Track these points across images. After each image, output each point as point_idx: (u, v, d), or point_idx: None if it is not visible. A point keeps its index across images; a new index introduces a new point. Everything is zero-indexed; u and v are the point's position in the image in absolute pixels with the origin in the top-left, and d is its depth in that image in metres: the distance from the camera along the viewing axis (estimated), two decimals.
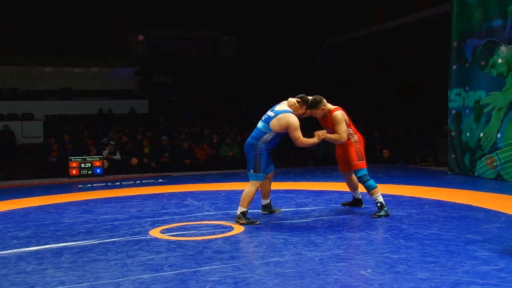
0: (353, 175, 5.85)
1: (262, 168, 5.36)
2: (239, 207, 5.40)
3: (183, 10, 21.09)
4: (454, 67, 9.45)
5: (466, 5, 9.16)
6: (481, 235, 4.59)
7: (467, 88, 9.20)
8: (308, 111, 5.56)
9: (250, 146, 5.41)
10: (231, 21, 21.80)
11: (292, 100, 5.49)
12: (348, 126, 5.63)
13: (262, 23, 20.33)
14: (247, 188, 5.40)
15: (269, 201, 5.93)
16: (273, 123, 5.31)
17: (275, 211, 5.95)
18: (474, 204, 6.19)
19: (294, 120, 5.30)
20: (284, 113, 5.32)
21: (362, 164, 5.59)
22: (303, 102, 5.47)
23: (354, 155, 5.59)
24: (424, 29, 15.10)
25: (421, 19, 15.11)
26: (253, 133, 5.45)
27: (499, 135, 8.53)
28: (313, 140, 5.42)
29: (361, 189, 5.91)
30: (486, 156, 8.77)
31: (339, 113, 5.54)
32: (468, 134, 9.19)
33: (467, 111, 9.20)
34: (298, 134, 5.28)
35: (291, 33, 19.98)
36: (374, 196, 5.57)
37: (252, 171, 5.37)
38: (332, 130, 5.59)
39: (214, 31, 23.13)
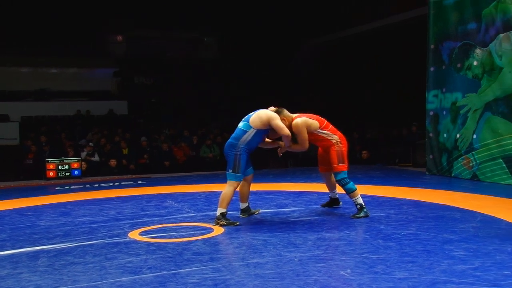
0: (331, 176, 5.88)
1: (241, 169, 5.36)
2: (218, 208, 5.38)
3: (163, 11, 20.96)
4: (432, 69, 9.60)
5: (442, 8, 9.31)
6: (458, 235, 4.67)
7: (444, 90, 9.34)
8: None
9: (230, 146, 5.42)
10: (211, 22, 21.75)
11: (271, 108, 5.59)
12: (323, 128, 5.60)
13: (243, 25, 20.34)
14: (225, 188, 5.40)
15: (247, 204, 5.90)
16: (253, 119, 5.38)
17: (254, 213, 5.94)
18: (450, 204, 6.29)
19: (274, 113, 5.41)
20: (264, 109, 5.47)
21: (342, 167, 5.57)
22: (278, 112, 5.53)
23: (335, 157, 5.57)
24: (402, 31, 15.27)
25: (399, 22, 15.29)
26: (234, 134, 5.47)
27: (474, 136, 8.68)
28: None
29: (339, 189, 5.94)
30: (463, 157, 8.92)
31: (299, 121, 5.50)
32: (445, 135, 9.33)
33: (444, 113, 9.34)
34: (281, 123, 5.36)
35: (271, 34, 20.02)
36: (353, 199, 5.61)
37: (231, 171, 5.37)
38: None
39: (195, 32, 23.05)
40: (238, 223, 5.40)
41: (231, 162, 5.38)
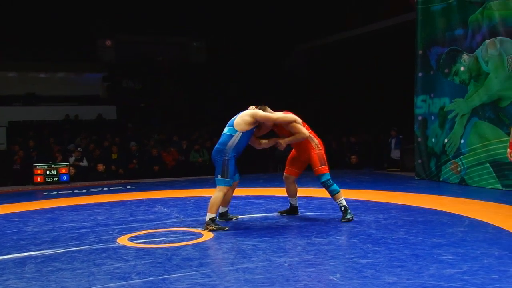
0: (294, 182, 5.91)
1: (230, 174, 5.36)
2: (208, 213, 5.37)
3: (152, 15, 20.92)
4: (420, 74, 9.67)
5: (430, 14, 9.40)
6: (446, 239, 4.70)
7: (432, 95, 9.42)
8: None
9: (218, 152, 5.42)
10: (200, 26, 21.75)
11: (251, 107, 5.63)
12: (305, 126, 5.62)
13: (233, 29, 20.36)
14: (215, 193, 5.39)
15: (227, 209, 5.90)
16: (237, 122, 5.41)
17: (232, 218, 5.92)
18: (439, 209, 6.33)
19: (256, 109, 5.49)
20: (245, 111, 5.53)
21: (325, 169, 5.58)
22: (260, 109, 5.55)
23: (317, 160, 5.57)
24: (392, 36, 15.38)
25: (387, 27, 15.42)
26: (220, 139, 5.48)
27: (462, 141, 8.75)
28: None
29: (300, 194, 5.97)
30: (451, 162, 8.99)
31: (288, 114, 5.56)
32: (433, 139, 9.40)
33: (433, 117, 9.42)
34: (269, 114, 5.44)
35: (262, 37, 20.06)
36: (337, 201, 5.62)
37: (220, 176, 5.37)
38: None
39: (184, 37, 23.04)
40: (227, 228, 5.39)
41: (219, 167, 5.38)
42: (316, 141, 5.67)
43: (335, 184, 5.59)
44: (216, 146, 5.49)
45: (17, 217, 6.70)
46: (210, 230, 5.27)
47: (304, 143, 5.62)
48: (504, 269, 3.72)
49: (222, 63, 20.81)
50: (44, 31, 18.85)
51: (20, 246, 4.95)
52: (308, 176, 9.07)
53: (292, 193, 6.07)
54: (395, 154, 12.15)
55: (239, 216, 6.07)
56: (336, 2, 17.77)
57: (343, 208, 5.61)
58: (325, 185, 5.59)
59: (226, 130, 5.48)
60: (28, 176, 11.39)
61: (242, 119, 5.41)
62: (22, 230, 5.75)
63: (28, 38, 18.64)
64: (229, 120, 5.55)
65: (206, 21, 21.07)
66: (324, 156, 5.65)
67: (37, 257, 4.47)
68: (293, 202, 6.15)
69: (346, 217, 5.57)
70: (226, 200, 5.80)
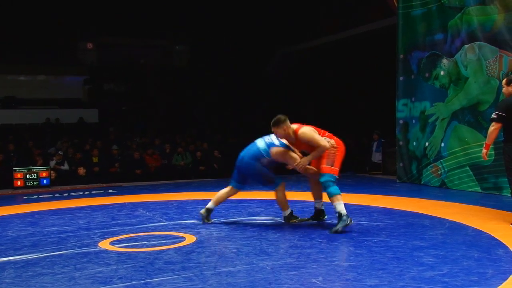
0: (318, 183, 5.53)
1: (273, 177, 5.73)
2: (283, 212, 5.80)
3: (134, 18, 20.81)
4: (401, 78, 9.79)
5: (410, 19, 9.52)
6: (427, 242, 4.76)
7: (413, 99, 9.53)
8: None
9: (248, 165, 5.68)
10: (183, 29, 21.69)
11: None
12: (322, 135, 5.43)
13: (215, 32, 20.35)
14: (276, 195, 5.73)
15: (213, 207, 6.01)
16: (275, 152, 5.57)
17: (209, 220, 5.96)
18: (420, 212, 6.41)
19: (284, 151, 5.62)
20: (279, 142, 5.62)
21: (329, 169, 5.30)
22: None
23: (325, 158, 5.33)
24: (373, 40, 15.53)
25: (371, 31, 15.56)
26: (250, 151, 5.68)
27: (442, 144, 8.87)
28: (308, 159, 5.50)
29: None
30: (432, 165, 9.10)
31: (306, 129, 5.37)
32: (414, 143, 9.51)
33: (414, 121, 9.53)
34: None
35: (244, 42, 20.10)
36: (334, 203, 5.26)
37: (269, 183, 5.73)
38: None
39: (166, 40, 22.96)
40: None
41: (259, 178, 5.72)
42: (332, 142, 5.42)
43: (334, 187, 5.24)
44: (246, 159, 5.66)
45: None
46: (295, 221, 5.75)
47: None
48: (483, 271, 3.78)
49: (204, 67, 20.79)
50: (24, 33, 18.61)
51: None
52: (291, 179, 9.13)
53: (316, 195, 5.75)
54: (376, 157, 12.28)
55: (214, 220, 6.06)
56: (317, 7, 17.91)
57: (337, 214, 5.23)
58: (324, 185, 5.32)
59: (261, 145, 5.62)
60: (8, 180, 11.23)
61: (280, 154, 5.55)
62: (1, 235, 5.66)
63: (7, 40, 18.38)
64: (266, 135, 5.73)
65: (189, 24, 21.03)
66: (336, 158, 5.36)
67: (17, 261, 4.41)
68: (317, 205, 5.79)
69: (336, 228, 5.18)
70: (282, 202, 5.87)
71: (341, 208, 5.24)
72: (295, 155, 5.57)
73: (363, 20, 15.94)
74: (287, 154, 5.54)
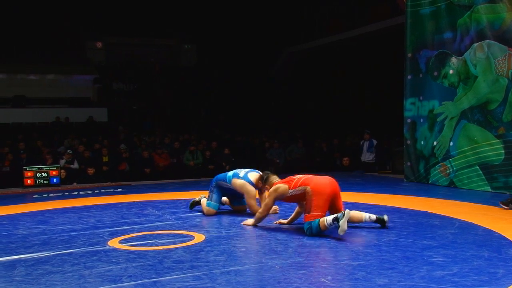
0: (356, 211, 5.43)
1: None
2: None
3: (142, 17, 20.89)
4: (409, 77, 9.74)
5: (419, 17, 9.48)
6: (436, 241, 4.74)
7: (421, 98, 9.49)
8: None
9: None
10: (191, 29, 21.75)
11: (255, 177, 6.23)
12: (293, 187, 5.25)
13: (222, 32, 20.38)
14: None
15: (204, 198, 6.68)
16: (236, 183, 6.22)
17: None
18: (429, 211, 6.38)
19: (251, 190, 6.20)
20: (248, 180, 6.21)
21: (309, 216, 5.06)
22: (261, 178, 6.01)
23: (305, 208, 5.20)
24: (381, 39, 15.48)
25: (378, 30, 15.51)
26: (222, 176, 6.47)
27: (451, 144, 8.83)
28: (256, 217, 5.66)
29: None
30: (440, 164, 9.06)
31: (271, 190, 5.43)
32: (422, 142, 9.46)
33: (422, 120, 9.49)
34: (252, 202, 6.20)
35: (250, 41, 20.11)
36: (324, 224, 4.94)
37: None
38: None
39: (174, 39, 23.03)
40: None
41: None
42: (308, 189, 5.12)
43: (314, 227, 4.97)
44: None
45: (7, 220, 6.65)
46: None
47: (298, 196, 5.26)
48: (494, 271, 3.76)
49: (212, 67, 20.83)
50: (34, 33, 18.75)
51: (10, 249, 4.91)
52: None
53: (358, 220, 5.42)
54: (367, 157, 12.24)
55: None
56: (324, 6, 17.88)
57: (332, 221, 4.86)
58: (307, 234, 5.06)
59: (230, 173, 6.35)
60: (18, 179, 11.31)
61: (240, 186, 6.19)
62: (12, 233, 5.71)
63: (17, 40, 18.53)
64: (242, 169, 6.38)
65: (196, 24, 21.08)
66: (313, 203, 5.05)
67: (27, 260, 4.45)
68: (371, 219, 5.39)
69: (341, 225, 4.76)
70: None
71: (328, 218, 4.94)
72: (251, 189, 6.15)
73: (370, 19, 15.89)
74: (243, 187, 6.18)
